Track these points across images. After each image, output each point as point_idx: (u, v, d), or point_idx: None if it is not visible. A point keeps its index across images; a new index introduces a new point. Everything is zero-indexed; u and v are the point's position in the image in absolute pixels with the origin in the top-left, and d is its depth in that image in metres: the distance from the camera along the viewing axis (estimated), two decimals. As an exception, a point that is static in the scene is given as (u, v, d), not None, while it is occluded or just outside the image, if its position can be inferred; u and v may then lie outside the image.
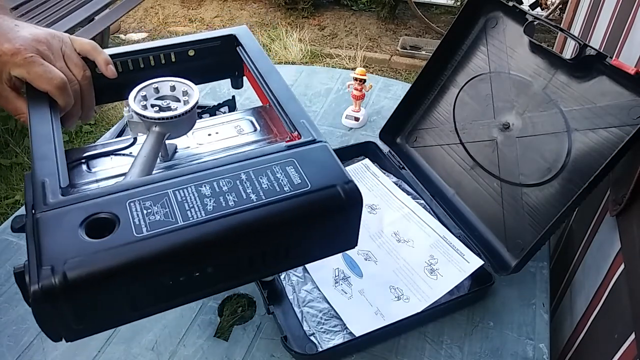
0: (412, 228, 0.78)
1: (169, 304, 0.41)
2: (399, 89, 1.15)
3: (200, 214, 0.38)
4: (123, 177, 0.49)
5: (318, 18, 3.28)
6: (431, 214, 0.81)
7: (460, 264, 0.72)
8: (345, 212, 0.43)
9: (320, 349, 0.64)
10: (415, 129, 0.92)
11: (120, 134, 0.93)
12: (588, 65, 0.70)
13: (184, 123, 0.51)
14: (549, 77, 0.75)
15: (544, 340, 0.67)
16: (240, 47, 0.62)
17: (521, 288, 0.74)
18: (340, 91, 1.14)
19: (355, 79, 1.01)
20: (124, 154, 0.53)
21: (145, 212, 0.37)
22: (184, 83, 0.53)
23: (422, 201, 0.84)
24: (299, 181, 0.41)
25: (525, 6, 1.59)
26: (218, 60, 0.63)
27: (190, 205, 0.38)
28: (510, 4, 0.81)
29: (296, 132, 0.48)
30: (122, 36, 3.09)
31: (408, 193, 0.85)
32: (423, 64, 0.90)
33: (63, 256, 0.34)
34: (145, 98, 0.52)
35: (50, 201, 0.38)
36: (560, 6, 2.80)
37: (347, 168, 0.88)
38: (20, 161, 2.06)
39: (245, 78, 0.67)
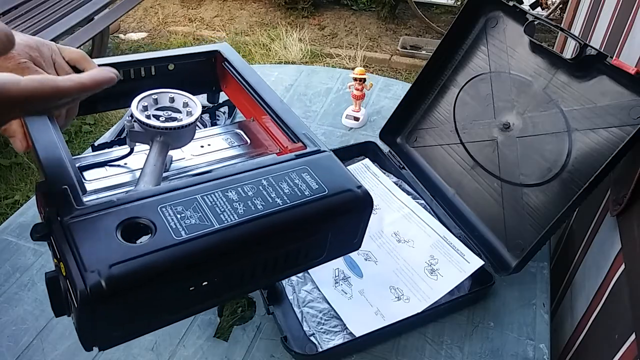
0: (413, 228, 0.78)
1: (203, 305, 0.43)
2: (399, 89, 1.15)
3: (233, 217, 0.40)
4: (122, 188, 0.50)
5: (318, 18, 3.28)
6: (431, 214, 0.80)
7: (460, 264, 0.72)
8: (359, 213, 0.47)
9: (320, 349, 0.63)
10: (416, 129, 0.92)
11: (120, 134, 0.92)
12: (588, 65, 0.70)
13: (187, 134, 0.53)
14: (550, 76, 0.75)
15: (544, 340, 0.67)
16: (225, 62, 0.63)
17: (521, 288, 0.74)
18: (340, 91, 1.14)
19: (355, 79, 1.01)
20: (119, 165, 0.53)
21: (179, 216, 0.39)
22: (184, 95, 0.54)
23: (423, 201, 0.84)
24: (316, 186, 0.44)
25: (525, 6, 1.59)
26: (198, 75, 0.64)
27: (222, 210, 0.40)
28: (511, 3, 0.81)
29: (299, 143, 0.51)
30: (121, 36, 3.09)
31: (408, 193, 0.85)
32: (423, 64, 0.90)
33: (107, 260, 0.35)
34: (146, 108, 0.52)
35: (77, 208, 0.38)
36: (560, 6, 2.80)
37: (347, 168, 0.88)
38: (19, 161, 2.06)
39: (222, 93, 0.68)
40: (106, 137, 0.94)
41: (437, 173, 0.87)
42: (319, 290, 0.70)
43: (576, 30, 1.64)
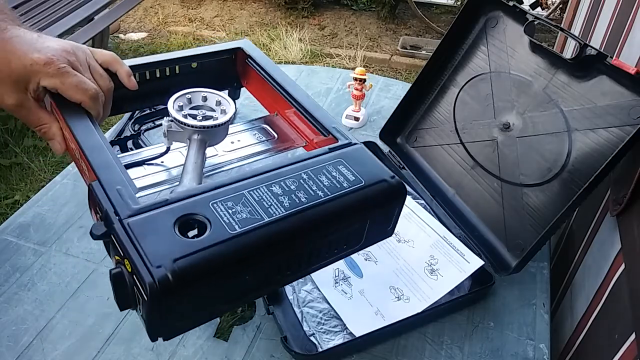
0: (413, 228, 0.78)
1: (256, 294, 0.46)
2: (399, 89, 1.15)
3: (281, 210, 0.42)
4: (163, 185, 0.52)
5: (318, 18, 3.28)
6: (431, 214, 0.80)
7: (460, 264, 0.72)
8: (394, 202, 0.49)
9: (320, 349, 0.63)
10: (416, 129, 0.92)
11: (120, 134, 0.92)
12: (588, 65, 0.70)
13: (222, 131, 0.55)
14: (550, 76, 0.75)
15: (544, 340, 0.67)
16: (249, 59, 0.64)
17: (521, 288, 0.74)
18: (340, 91, 1.14)
19: (355, 79, 1.01)
20: (156, 164, 0.55)
21: (230, 211, 0.41)
22: (216, 94, 0.56)
23: (423, 201, 0.84)
24: (353, 178, 0.47)
25: (525, 6, 1.59)
26: (220, 72, 0.66)
27: (269, 204, 0.43)
28: (511, 3, 0.81)
29: (329, 136, 0.53)
30: (121, 36, 3.09)
31: (408, 193, 0.85)
32: (423, 64, 0.90)
33: (170, 255, 0.37)
34: (181, 108, 0.55)
35: (134, 207, 0.40)
36: (560, 6, 2.80)
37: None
38: (19, 161, 2.06)
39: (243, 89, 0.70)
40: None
41: (437, 173, 0.87)
42: (319, 290, 0.70)
43: (576, 30, 1.64)
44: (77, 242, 0.78)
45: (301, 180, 0.45)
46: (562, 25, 1.69)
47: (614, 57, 0.67)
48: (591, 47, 0.69)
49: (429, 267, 0.72)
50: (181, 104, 0.55)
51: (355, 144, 0.51)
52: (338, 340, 0.65)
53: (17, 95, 0.48)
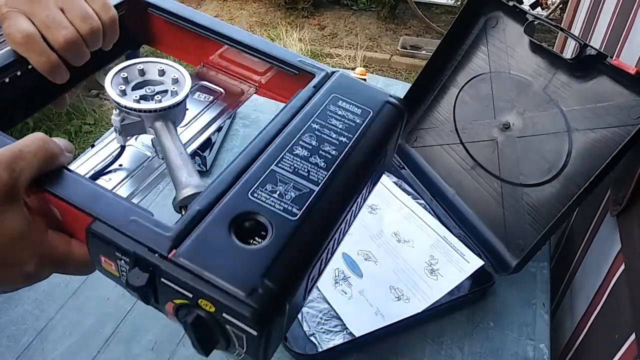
0: (412, 228, 0.78)
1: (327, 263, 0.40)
2: (399, 89, 1.15)
3: (321, 172, 0.37)
4: (141, 192, 0.44)
5: (318, 18, 3.28)
6: (431, 214, 0.80)
7: (460, 264, 0.72)
8: (401, 121, 0.45)
9: (320, 349, 0.63)
10: (416, 129, 0.92)
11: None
12: (588, 65, 0.70)
13: (184, 106, 0.46)
14: (550, 76, 0.75)
15: (544, 340, 0.67)
16: (153, 8, 0.52)
17: (521, 288, 0.74)
18: (340, 91, 1.14)
19: (355, 79, 1.01)
20: (116, 169, 0.46)
21: (276, 195, 0.35)
22: (157, 62, 0.47)
23: (422, 201, 0.84)
24: (360, 110, 0.42)
25: (525, 6, 1.59)
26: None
27: (306, 170, 0.37)
28: (511, 3, 0.81)
29: (301, 72, 0.46)
30: (122, 36, 3.09)
31: (408, 193, 0.85)
32: (423, 64, 0.90)
33: (253, 275, 0.30)
34: (124, 92, 0.45)
35: (167, 235, 0.32)
36: (560, 6, 2.80)
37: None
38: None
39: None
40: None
41: (437, 173, 0.87)
42: (319, 290, 0.70)
43: (576, 30, 1.64)
44: (77, 242, 0.78)
45: (316, 132, 0.40)
46: (562, 25, 1.69)
47: (614, 57, 0.67)
48: (591, 47, 0.69)
49: (429, 267, 0.72)
50: (123, 87, 0.45)
51: (334, 72, 0.45)
52: (338, 340, 0.65)
53: None
